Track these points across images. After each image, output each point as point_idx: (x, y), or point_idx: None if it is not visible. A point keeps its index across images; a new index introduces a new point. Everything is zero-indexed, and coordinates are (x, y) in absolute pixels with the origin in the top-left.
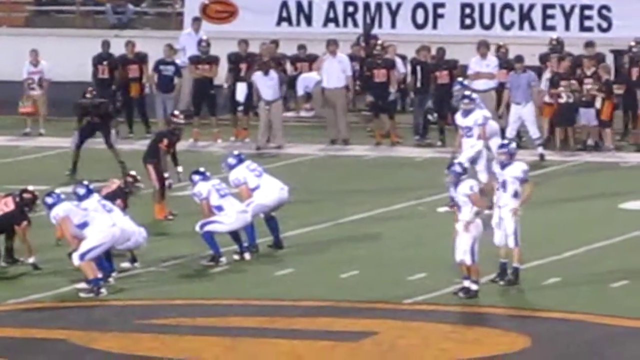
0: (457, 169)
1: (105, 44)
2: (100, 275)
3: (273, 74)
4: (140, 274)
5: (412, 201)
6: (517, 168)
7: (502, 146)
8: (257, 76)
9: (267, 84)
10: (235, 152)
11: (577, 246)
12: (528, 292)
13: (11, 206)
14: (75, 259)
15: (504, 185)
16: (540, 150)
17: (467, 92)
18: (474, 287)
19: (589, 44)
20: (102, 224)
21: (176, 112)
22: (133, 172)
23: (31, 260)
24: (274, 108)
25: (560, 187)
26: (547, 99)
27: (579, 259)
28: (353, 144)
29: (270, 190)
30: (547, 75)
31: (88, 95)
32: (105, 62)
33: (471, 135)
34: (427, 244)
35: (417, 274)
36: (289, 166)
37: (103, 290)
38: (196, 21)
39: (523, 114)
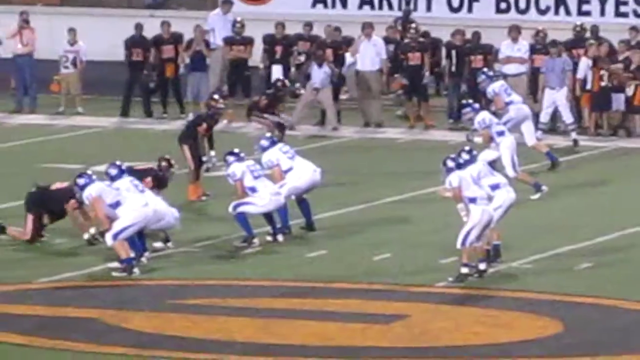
0: (449, 164)
1: (139, 27)
2: (132, 255)
3: (326, 67)
4: (172, 254)
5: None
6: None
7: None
8: (313, 68)
9: (318, 75)
10: (268, 134)
11: (610, 231)
12: (561, 276)
13: (65, 185)
14: (109, 238)
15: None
16: (573, 135)
17: (464, 101)
18: (463, 269)
19: (633, 29)
20: (135, 203)
21: (216, 97)
22: (167, 156)
23: (85, 236)
24: (323, 93)
25: (593, 172)
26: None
27: (611, 244)
28: (386, 127)
29: (303, 172)
30: (584, 62)
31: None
32: (139, 46)
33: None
34: (459, 228)
35: (449, 257)
36: (323, 148)
37: (136, 270)
38: (226, 3)
39: (557, 98)
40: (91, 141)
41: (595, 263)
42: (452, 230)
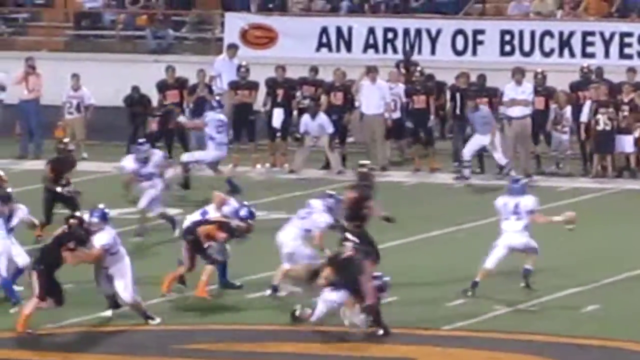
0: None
1: (135, 89)
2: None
3: (320, 117)
4: (176, 299)
5: (451, 227)
6: None
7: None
8: (306, 119)
9: (314, 128)
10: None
11: (617, 273)
12: (567, 319)
13: None
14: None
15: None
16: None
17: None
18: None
19: (631, 70)
20: None
21: None
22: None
23: None
24: (321, 140)
25: (598, 214)
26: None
27: (618, 286)
28: (391, 170)
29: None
30: (588, 105)
31: None
32: (137, 104)
33: None
34: (465, 270)
35: (455, 300)
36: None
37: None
38: (231, 47)
39: (484, 141)
40: (96, 187)
41: (601, 305)
42: (458, 273)
